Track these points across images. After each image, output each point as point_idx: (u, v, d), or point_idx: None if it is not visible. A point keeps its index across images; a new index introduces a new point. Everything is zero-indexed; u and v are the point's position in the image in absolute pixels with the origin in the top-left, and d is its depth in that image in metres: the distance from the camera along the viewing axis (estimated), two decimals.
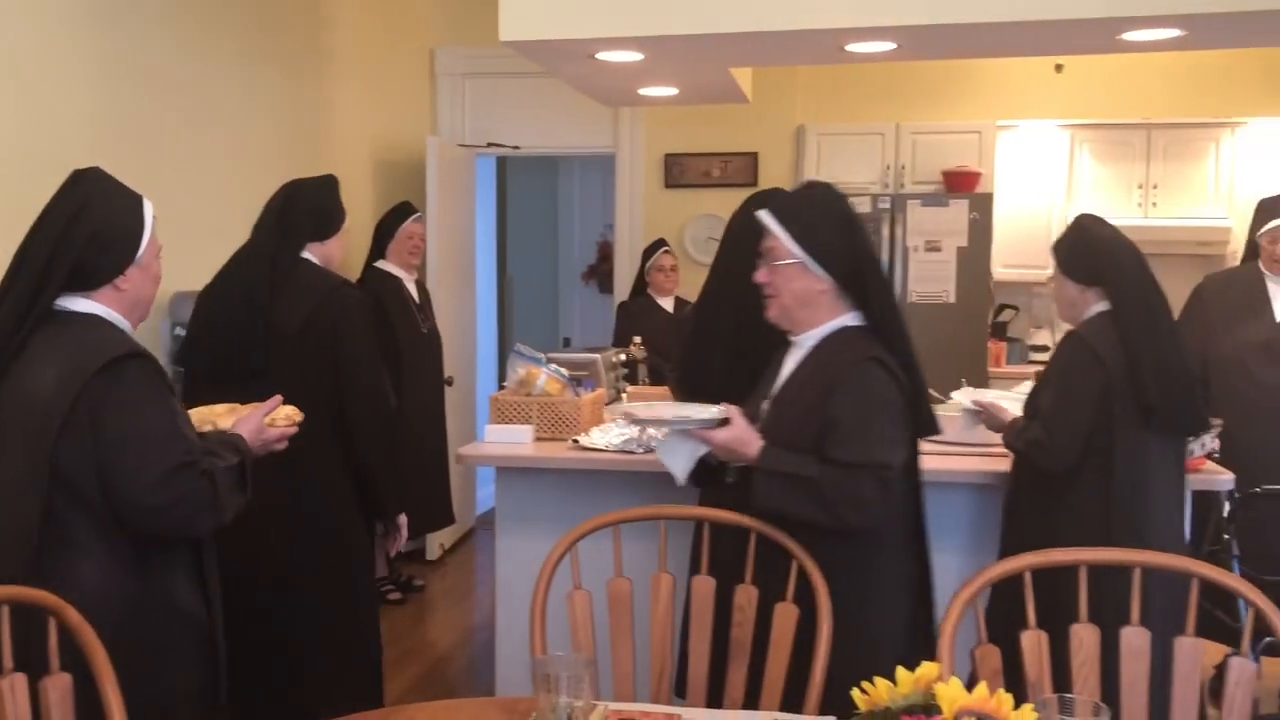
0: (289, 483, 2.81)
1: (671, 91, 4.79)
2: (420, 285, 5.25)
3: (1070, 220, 3.10)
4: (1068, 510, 2.81)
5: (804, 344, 2.32)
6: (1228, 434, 3.59)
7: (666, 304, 5.68)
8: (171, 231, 4.05)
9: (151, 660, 1.99)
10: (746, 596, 2.14)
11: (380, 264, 5.07)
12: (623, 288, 6.66)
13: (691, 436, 2.25)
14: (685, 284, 5.87)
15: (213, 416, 2.28)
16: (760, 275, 2.33)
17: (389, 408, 3.06)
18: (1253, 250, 4.03)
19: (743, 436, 2.21)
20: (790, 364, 2.34)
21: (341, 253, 3.23)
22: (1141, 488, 2.79)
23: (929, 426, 2.32)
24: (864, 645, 2.13)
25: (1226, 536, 3.49)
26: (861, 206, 5.92)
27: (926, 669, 1.35)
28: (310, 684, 2.98)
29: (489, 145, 6.57)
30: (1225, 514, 3.50)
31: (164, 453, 1.95)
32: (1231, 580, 1.88)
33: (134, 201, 2.12)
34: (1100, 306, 2.89)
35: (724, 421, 2.22)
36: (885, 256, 5.90)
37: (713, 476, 2.39)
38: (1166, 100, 6.12)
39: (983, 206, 5.85)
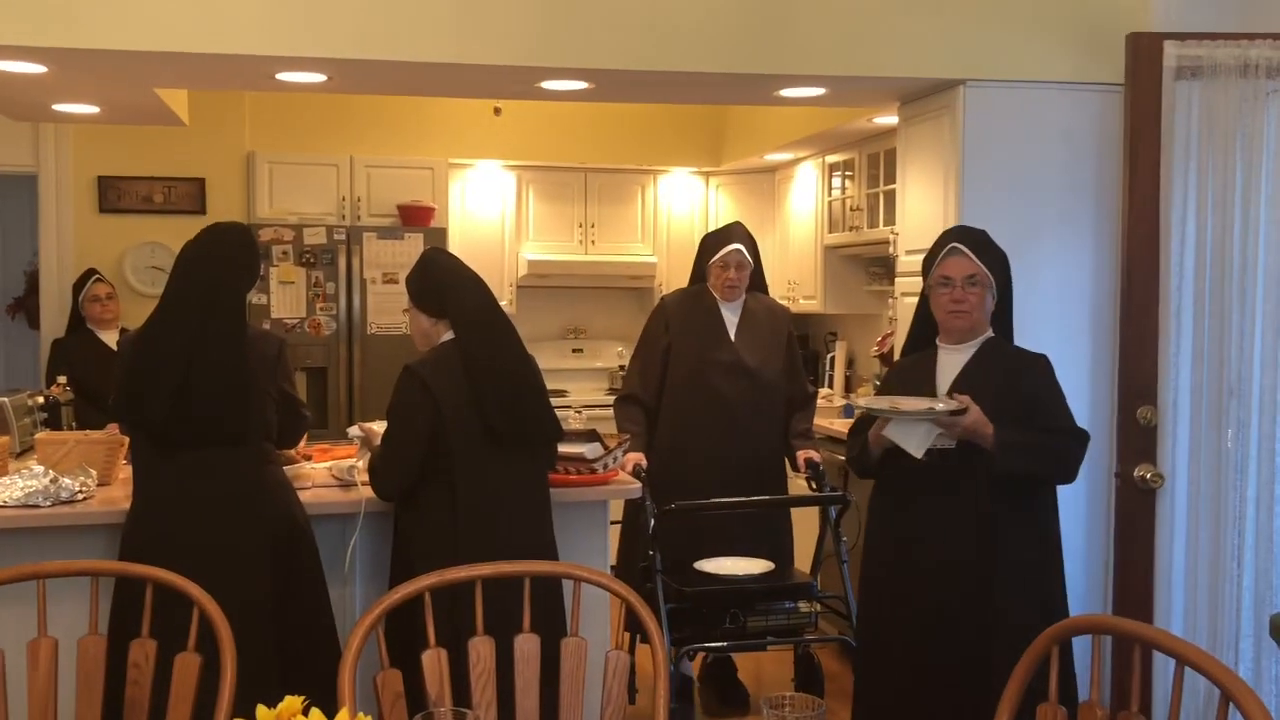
0: None
1: (93, 109, 4.42)
2: None
3: (422, 253, 3.20)
4: (419, 526, 2.96)
5: (965, 350, 2.98)
6: (684, 445, 4.03)
7: (109, 338, 5.21)
8: None
9: None
10: (143, 653, 2.00)
11: None
12: (53, 322, 6.01)
13: (925, 422, 2.78)
14: (128, 315, 5.43)
15: None
16: (962, 297, 2.91)
17: None
18: (698, 276, 4.31)
19: (982, 419, 2.77)
20: (953, 367, 2.98)
21: None
22: (491, 500, 2.92)
23: None
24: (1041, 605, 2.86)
25: (651, 552, 3.70)
26: (316, 238, 5.85)
27: (289, 703, 1.33)
28: None
29: None
30: (650, 530, 3.73)
31: None
32: (611, 583, 2.07)
33: None
34: (449, 336, 3.02)
35: (960, 411, 2.76)
36: (342, 289, 5.88)
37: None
38: (598, 147, 6.70)
39: (438, 241, 6.01)
